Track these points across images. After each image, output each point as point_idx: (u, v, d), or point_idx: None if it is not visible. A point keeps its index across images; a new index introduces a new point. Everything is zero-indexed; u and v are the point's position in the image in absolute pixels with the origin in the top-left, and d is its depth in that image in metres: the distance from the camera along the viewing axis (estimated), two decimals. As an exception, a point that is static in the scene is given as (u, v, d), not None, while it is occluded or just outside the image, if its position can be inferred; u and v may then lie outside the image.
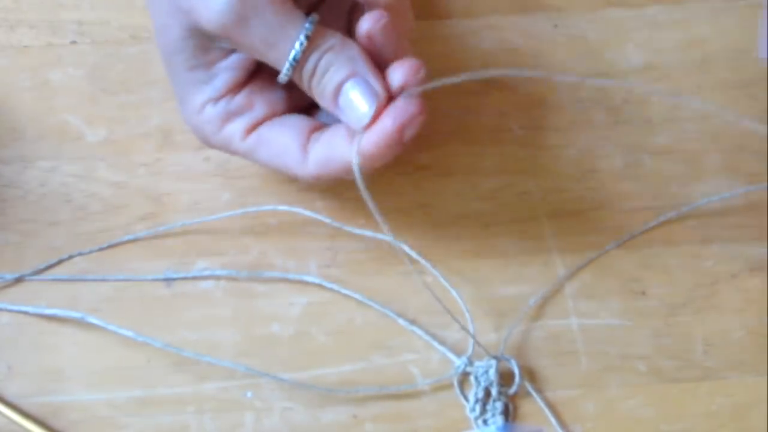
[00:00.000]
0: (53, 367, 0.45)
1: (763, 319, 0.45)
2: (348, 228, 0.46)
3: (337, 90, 0.40)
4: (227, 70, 0.42)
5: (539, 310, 0.45)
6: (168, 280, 0.46)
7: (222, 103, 0.42)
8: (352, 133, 0.41)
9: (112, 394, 0.44)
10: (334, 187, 0.48)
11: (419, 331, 0.45)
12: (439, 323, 0.45)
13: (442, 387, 0.44)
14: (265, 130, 0.43)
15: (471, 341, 0.44)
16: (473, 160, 0.48)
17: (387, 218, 0.47)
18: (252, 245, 0.47)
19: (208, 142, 0.43)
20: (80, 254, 0.47)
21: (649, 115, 0.48)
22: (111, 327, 0.45)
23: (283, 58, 0.40)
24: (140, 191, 0.48)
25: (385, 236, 0.45)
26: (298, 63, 0.40)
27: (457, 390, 0.44)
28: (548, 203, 0.47)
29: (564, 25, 0.50)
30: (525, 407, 0.44)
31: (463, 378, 0.44)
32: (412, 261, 0.46)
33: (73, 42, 0.50)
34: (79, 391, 0.44)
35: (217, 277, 0.46)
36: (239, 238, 0.47)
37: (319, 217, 0.45)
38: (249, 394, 0.44)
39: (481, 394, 0.44)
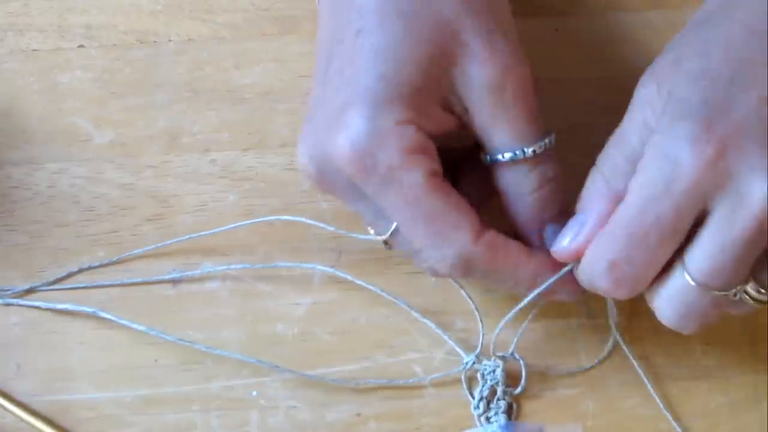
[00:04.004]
0: (61, 366, 0.45)
1: (763, 319, 0.46)
2: (352, 234, 0.46)
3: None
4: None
5: (540, 311, 0.45)
6: (174, 281, 0.46)
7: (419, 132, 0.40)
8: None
9: (119, 392, 0.45)
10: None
11: (431, 323, 0.45)
12: (443, 323, 0.45)
13: (445, 386, 0.45)
14: (446, 184, 0.40)
15: (480, 340, 0.45)
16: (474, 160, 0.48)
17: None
18: (257, 246, 0.47)
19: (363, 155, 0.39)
20: (90, 267, 0.47)
21: (650, 117, 0.49)
22: (122, 321, 0.45)
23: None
24: (147, 193, 0.48)
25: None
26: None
27: (464, 385, 0.44)
28: (549, 204, 0.47)
29: (565, 29, 0.50)
30: (527, 406, 0.45)
31: (470, 375, 0.45)
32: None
33: (81, 46, 0.50)
34: (87, 390, 0.45)
35: (223, 277, 0.46)
36: (245, 238, 0.47)
37: (321, 225, 0.46)
38: (254, 393, 0.45)
39: (486, 392, 0.44)
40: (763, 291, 0.39)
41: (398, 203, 0.39)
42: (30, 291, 0.46)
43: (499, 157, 0.41)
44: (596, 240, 0.39)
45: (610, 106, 0.49)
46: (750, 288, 0.39)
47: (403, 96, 0.39)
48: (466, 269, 0.40)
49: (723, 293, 0.39)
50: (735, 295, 0.39)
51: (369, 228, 0.42)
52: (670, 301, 0.39)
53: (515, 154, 0.41)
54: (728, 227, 0.37)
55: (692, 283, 0.38)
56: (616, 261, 0.39)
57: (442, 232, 0.39)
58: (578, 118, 0.49)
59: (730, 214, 0.37)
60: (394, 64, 0.39)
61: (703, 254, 0.38)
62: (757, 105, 0.38)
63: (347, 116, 0.38)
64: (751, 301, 0.39)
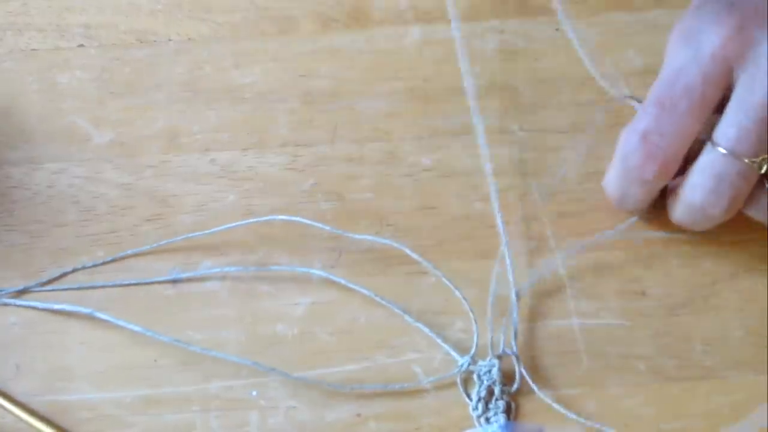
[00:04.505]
0: (61, 366, 0.45)
1: (763, 319, 0.46)
2: (348, 234, 0.46)
3: None
4: None
5: (540, 310, 0.46)
6: (175, 281, 0.46)
7: None
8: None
9: (119, 392, 0.45)
10: (338, 189, 0.48)
11: (424, 328, 0.45)
12: (441, 323, 0.45)
13: (444, 386, 0.45)
14: None
15: (474, 341, 0.45)
16: (475, 161, 0.48)
17: (389, 220, 0.47)
18: (257, 246, 0.47)
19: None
20: (84, 267, 0.47)
21: (650, 117, 0.49)
22: (120, 322, 0.45)
23: None
24: (146, 193, 0.48)
25: (386, 240, 0.46)
26: None
27: (460, 388, 0.44)
28: (550, 204, 0.47)
29: (565, 29, 0.50)
30: (527, 406, 0.45)
31: (466, 377, 0.45)
32: (415, 262, 0.46)
33: (81, 45, 0.50)
34: (86, 390, 0.45)
35: (223, 277, 0.46)
36: (244, 238, 0.47)
37: (319, 225, 0.46)
38: (254, 393, 0.45)
39: (483, 393, 0.44)
40: None
41: None
42: (24, 291, 0.46)
43: None
44: (633, 118, 0.43)
45: (610, 106, 0.49)
46: None
47: None
48: None
49: (751, 161, 0.41)
50: (763, 165, 0.41)
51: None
52: (702, 175, 0.42)
53: None
54: (750, 93, 0.41)
55: (722, 151, 0.41)
56: (648, 131, 0.42)
57: None
58: (578, 118, 0.49)
59: (751, 82, 0.41)
60: None
61: (729, 121, 0.41)
62: None
63: None
64: None
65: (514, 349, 0.45)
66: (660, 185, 0.44)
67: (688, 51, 0.42)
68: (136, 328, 0.45)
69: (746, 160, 0.41)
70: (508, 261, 0.46)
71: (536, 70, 0.50)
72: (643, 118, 0.42)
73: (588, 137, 0.49)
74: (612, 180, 0.45)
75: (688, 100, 0.41)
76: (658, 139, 0.42)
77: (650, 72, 0.49)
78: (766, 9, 0.41)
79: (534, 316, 0.46)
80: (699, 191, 0.42)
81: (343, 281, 0.46)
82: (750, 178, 0.42)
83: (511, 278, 0.46)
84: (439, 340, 0.45)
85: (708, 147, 0.42)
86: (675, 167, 0.43)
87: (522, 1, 0.51)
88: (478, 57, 0.50)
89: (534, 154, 0.48)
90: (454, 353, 0.45)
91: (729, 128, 0.41)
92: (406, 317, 0.45)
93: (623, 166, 0.43)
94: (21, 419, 0.44)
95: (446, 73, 0.50)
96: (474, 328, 0.45)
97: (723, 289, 0.46)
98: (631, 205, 0.45)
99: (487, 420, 0.44)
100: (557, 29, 0.50)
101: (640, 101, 0.45)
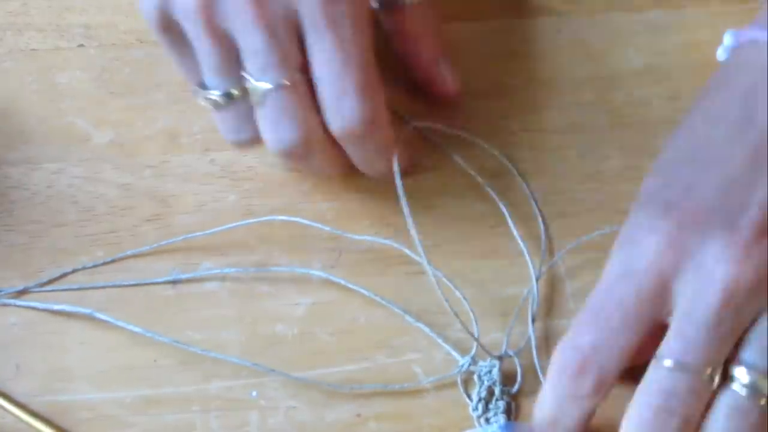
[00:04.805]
0: (61, 367, 0.45)
1: (763, 319, 0.46)
2: (348, 234, 0.46)
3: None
4: None
5: (540, 311, 0.46)
6: (174, 282, 0.46)
7: None
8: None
9: (119, 393, 0.45)
10: (338, 188, 0.48)
11: (425, 328, 0.45)
12: (441, 323, 0.45)
13: (444, 386, 0.45)
14: None
15: (474, 341, 0.45)
16: (475, 161, 0.48)
17: (389, 220, 0.47)
18: (256, 246, 0.47)
19: None
20: (83, 268, 0.47)
21: (650, 117, 0.49)
22: (119, 323, 0.45)
23: None
24: (146, 193, 0.48)
25: (385, 240, 0.46)
26: None
27: (460, 388, 0.44)
28: (550, 204, 0.48)
29: (566, 30, 0.50)
30: (527, 406, 0.45)
31: (467, 377, 0.45)
32: (415, 262, 0.46)
33: (81, 45, 0.50)
34: (86, 390, 0.45)
35: (222, 278, 0.46)
36: (244, 238, 0.47)
37: (318, 225, 0.46)
38: (254, 394, 0.45)
39: (484, 393, 0.44)
40: (754, 372, 0.37)
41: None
42: (24, 292, 0.46)
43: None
44: (569, 330, 0.40)
45: (611, 106, 0.49)
46: (736, 371, 0.38)
47: None
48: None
49: (702, 376, 0.37)
50: (713, 377, 0.38)
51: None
52: (647, 392, 0.38)
53: None
54: (693, 304, 0.38)
55: (667, 364, 0.38)
56: (582, 345, 0.39)
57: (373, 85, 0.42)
58: (578, 118, 0.49)
59: (693, 294, 0.38)
60: None
61: (675, 333, 0.38)
62: (718, 183, 0.39)
63: None
64: (741, 390, 0.37)
65: (505, 349, 0.45)
66: (595, 403, 0.39)
67: (622, 261, 0.39)
68: (136, 329, 0.45)
69: (695, 376, 0.37)
70: (528, 260, 0.46)
71: (536, 70, 0.50)
72: (578, 331, 0.40)
73: (588, 137, 0.49)
74: (545, 398, 0.40)
75: (623, 315, 0.38)
76: (593, 353, 0.39)
77: (650, 72, 0.50)
78: (708, 209, 0.38)
79: (533, 315, 0.46)
80: (645, 410, 0.38)
81: (342, 281, 0.46)
82: (703, 394, 0.38)
83: (520, 277, 0.46)
84: (439, 340, 0.45)
85: (653, 363, 0.38)
86: (612, 383, 0.39)
87: (522, 1, 0.51)
88: (478, 57, 0.50)
89: (534, 154, 0.48)
90: (454, 353, 0.45)
91: (675, 340, 0.38)
92: (407, 317, 0.45)
93: (557, 381, 0.40)
94: (21, 419, 0.44)
95: (446, 73, 0.50)
96: (475, 328, 0.45)
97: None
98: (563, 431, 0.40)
99: (487, 420, 0.44)
100: (558, 30, 0.50)
101: None
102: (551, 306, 0.46)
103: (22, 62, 0.50)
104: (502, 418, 0.44)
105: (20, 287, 0.46)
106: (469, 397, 0.44)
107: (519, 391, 0.44)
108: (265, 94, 0.42)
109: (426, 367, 0.45)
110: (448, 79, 0.48)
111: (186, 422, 0.44)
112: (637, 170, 0.48)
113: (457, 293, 0.45)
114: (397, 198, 0.44)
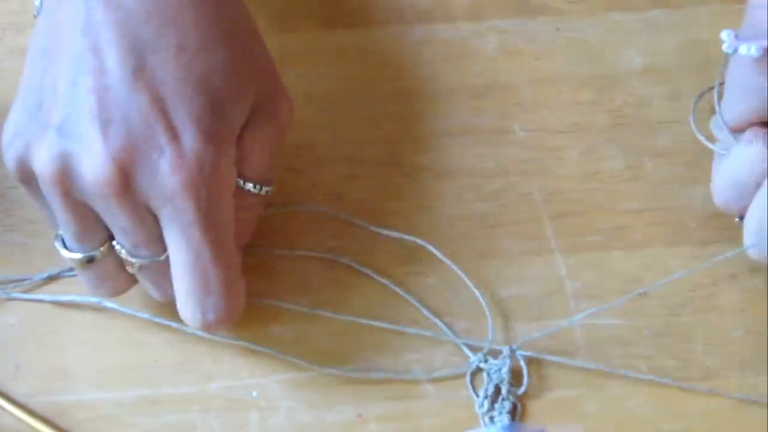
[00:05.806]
0: (60, 367, 0.45)
1: (763, 319, 0.46)
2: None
3: None
4: None
5: (540, 310, 0.46)
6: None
7: None
8: None
9: (118, 393, 0.45)
10: (337, 189, 0.48)
11: (441, 324, 0.45)
12: (443, 323, 0.45)
13: (446, 387, 0.45)
14: None
15: (488, 338, 0.45)
16: (475, 161, 0.48)
17: (388, 220, 0.47)
18: (256, 244, 0.47)
19: None
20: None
21: (650, 117, 0.49)
22: (126, 310, 0.45)
23: None
24: (146, 193, 0.48)
25: (409, 237, 0.46)
26: None
27: (469, 384, 0.44)
28: (550, 204, 0.48)
29: (566, 29, 0.50)
30: (528, 407, 0.45)
31: (474, 374, 0.45)
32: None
33: (80, 45, 0.50)
34: (86, 390, 0.45)
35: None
36: (244, 238, 0.47)
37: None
38: (254, 394, 0.45)
39: (491, 391, 0.44)
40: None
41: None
42: (51, 278, 0.46)
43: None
44: None
45: (611, 106, 0.49)
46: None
47: None
48: None
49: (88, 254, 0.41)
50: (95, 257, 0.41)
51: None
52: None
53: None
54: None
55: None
56: None
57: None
58: (578, 118, 0.49)
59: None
60: None
61: None
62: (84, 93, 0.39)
63: None
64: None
65: (516, 349, 0.45)
66: None
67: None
68: (144, 315, 0.45)
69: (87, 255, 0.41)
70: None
71: (536, 70, 0.50)
72: None
73: (588, 137, 0.49)
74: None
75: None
76: None
77: (650, 72, 0.50)
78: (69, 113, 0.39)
79: (534, 315, 0.46)
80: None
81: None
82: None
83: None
84: (452, 336, 0.45)
85: None
86: None
87: (522, 1, 0.51)
88: (478, 57, 0.50)
89: (534, 154, 0.48)
90: (466, 350, 0.45)
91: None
92: (424, 311, 0.45)
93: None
94: (21, 420, 0.44)
95: (446, 73, 0.50)
96: (489, 325, 0.45)
97: (723, 289, 0.46)
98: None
99: (492, 419, 0.44)
100: (558, 29, 0.50)
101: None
102: (551, 306, 0.46)
103: (22, 62, 0.49)
104: (506, 418, 0.44)
105: (45, 275, 0.46)
106: (476, 393, 0.44)
107: (524, 393, 0.44)
108: (141, 266, 0.42)
109: (426, 367, 0.45)
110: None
111: (186, 422, 0.44)
112: (638, 170, 0.48)
113: (477, 293, 0.45)
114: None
